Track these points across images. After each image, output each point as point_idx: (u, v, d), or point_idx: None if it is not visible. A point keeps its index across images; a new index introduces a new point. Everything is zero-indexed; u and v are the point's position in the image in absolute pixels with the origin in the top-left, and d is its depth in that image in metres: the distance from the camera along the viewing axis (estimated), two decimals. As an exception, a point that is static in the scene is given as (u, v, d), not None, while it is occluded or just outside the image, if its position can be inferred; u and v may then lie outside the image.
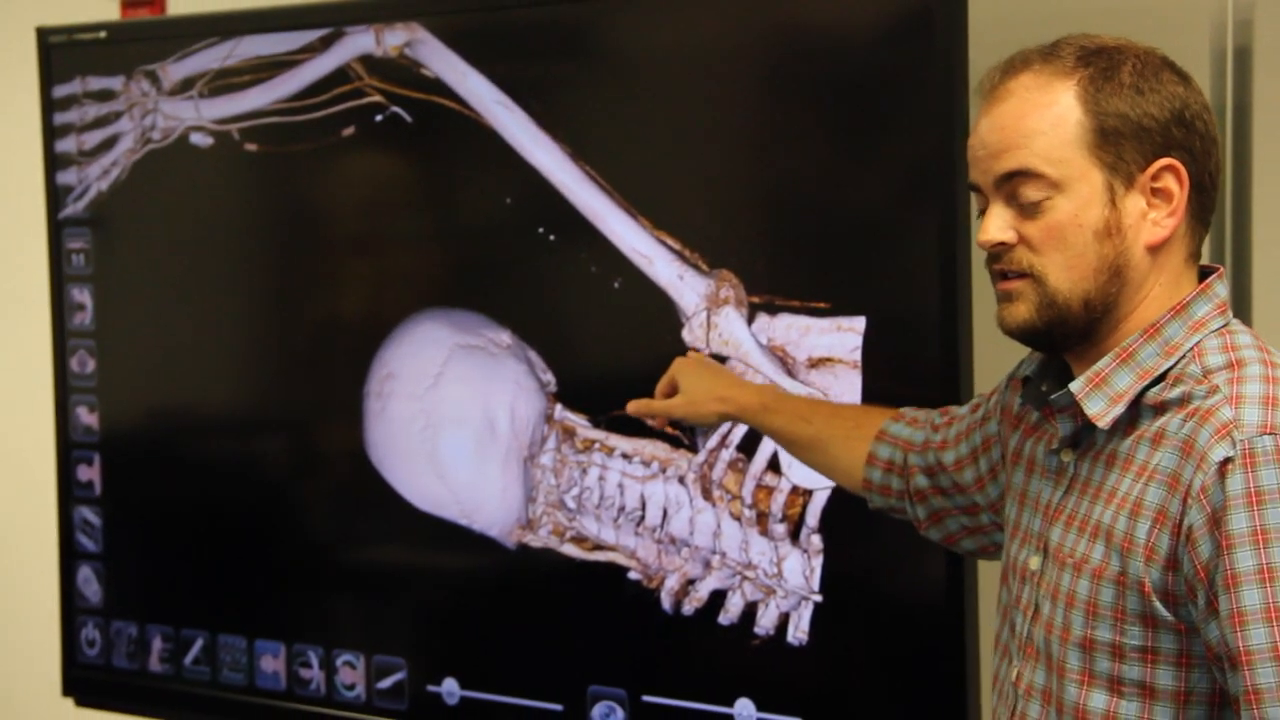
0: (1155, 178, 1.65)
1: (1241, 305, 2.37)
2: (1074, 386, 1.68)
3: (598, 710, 2.40)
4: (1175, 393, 1.65)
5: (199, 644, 2.83)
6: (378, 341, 2.61)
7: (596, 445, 2.42)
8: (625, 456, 2.40)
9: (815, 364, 2.26)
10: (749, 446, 2.30)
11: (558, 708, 2.44)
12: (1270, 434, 1.57)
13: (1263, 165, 2.35)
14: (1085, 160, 1.65)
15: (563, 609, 2.46)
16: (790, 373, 2.27)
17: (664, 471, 2.37)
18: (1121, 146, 1.65)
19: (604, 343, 2.45)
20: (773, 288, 2.29)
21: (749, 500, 2.31)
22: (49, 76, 2.93)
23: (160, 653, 2.88)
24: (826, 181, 2.27)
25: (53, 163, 2.94)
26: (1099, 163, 1.65)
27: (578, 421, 2.43)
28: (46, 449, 3.02)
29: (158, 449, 2.90)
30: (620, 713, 2.38)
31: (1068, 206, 1.65)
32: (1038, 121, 1.66)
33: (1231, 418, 1.58)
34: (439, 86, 2.52)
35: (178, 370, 2.83)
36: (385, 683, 2.62)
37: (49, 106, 2.93)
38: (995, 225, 1.68)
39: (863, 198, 2.26)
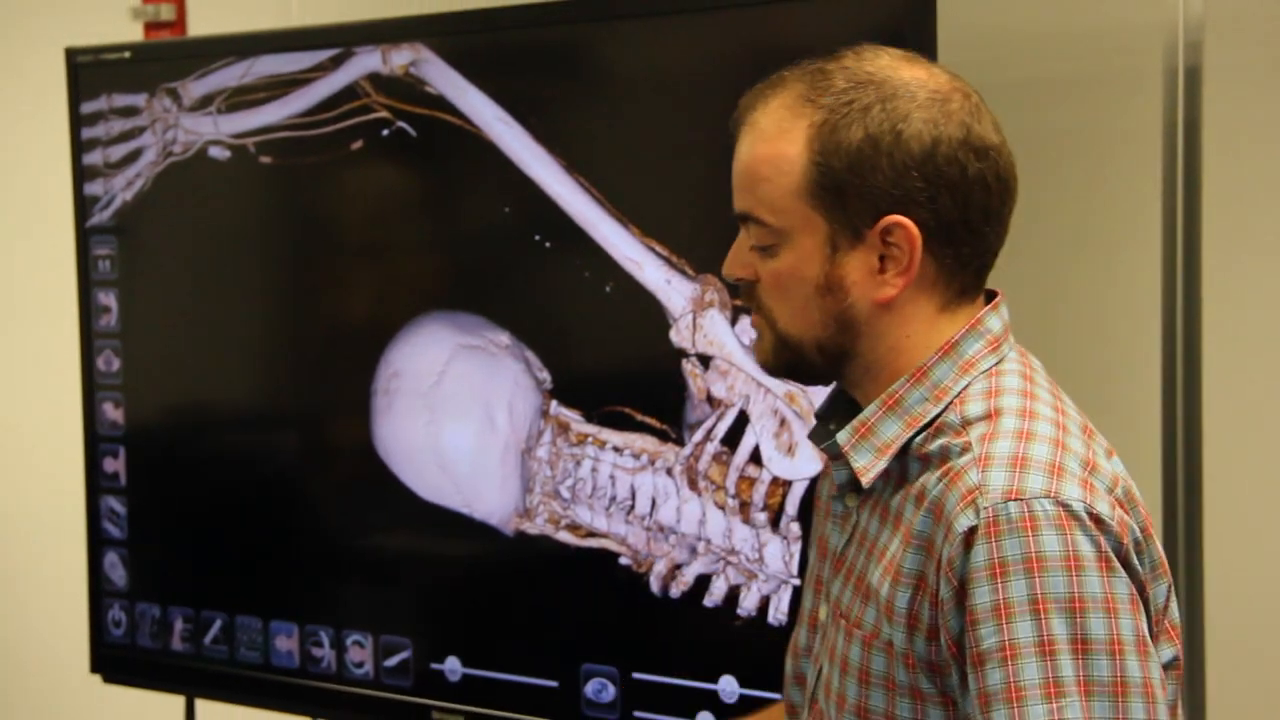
0: (886, 234, 1.47)
1: (1191, 323, 2.37)
2: (841, 438, 1.52)
3: (590, 687, 2.42)
4: (935, 445, 1.47)
5: (218, 624, 2.85)
6: (384, 342, 2.63)
7: (589, 439, 2.43)
8: (616, 450, 2.41)
9: (794, 362, 2.28)
10: (733, 440, 2.32)
11: (553, 684, 2.46)
12: (1015, 499, 1.38)
13: (1212, 182, 2.33)
14: (809, 211, 1.48)
15: (558, 592, 2.48)
16: (771, 371, 2.28)
17: (653, 464, 2.38)
18: (847, 200, 1.47)
19: (597, 343, 2.46)
20: (753, 291, 2.30)
21: (732, 490, 2.32)
22: (77, 94, 2.94)
23: (181, 632, 2.89)
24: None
25: (80, 174, 2.95)
26: (823, 215, 1.48)
27: (572, 417, 2.45)
28: (75, 442, 3.03)
29: (178, 442, 2.91)
30: (612, 689, 2.40)
31: (789, 257, 1.50)
32: (766, 166, 1.50)
33: (977, 483, 1.40)
34: (442, 103, 2.53)
35: (197, 369, 2.84)
36: (392, 661, 2.64)
37: (77, 122, 2.94)
38: (734, 259, 1.56)
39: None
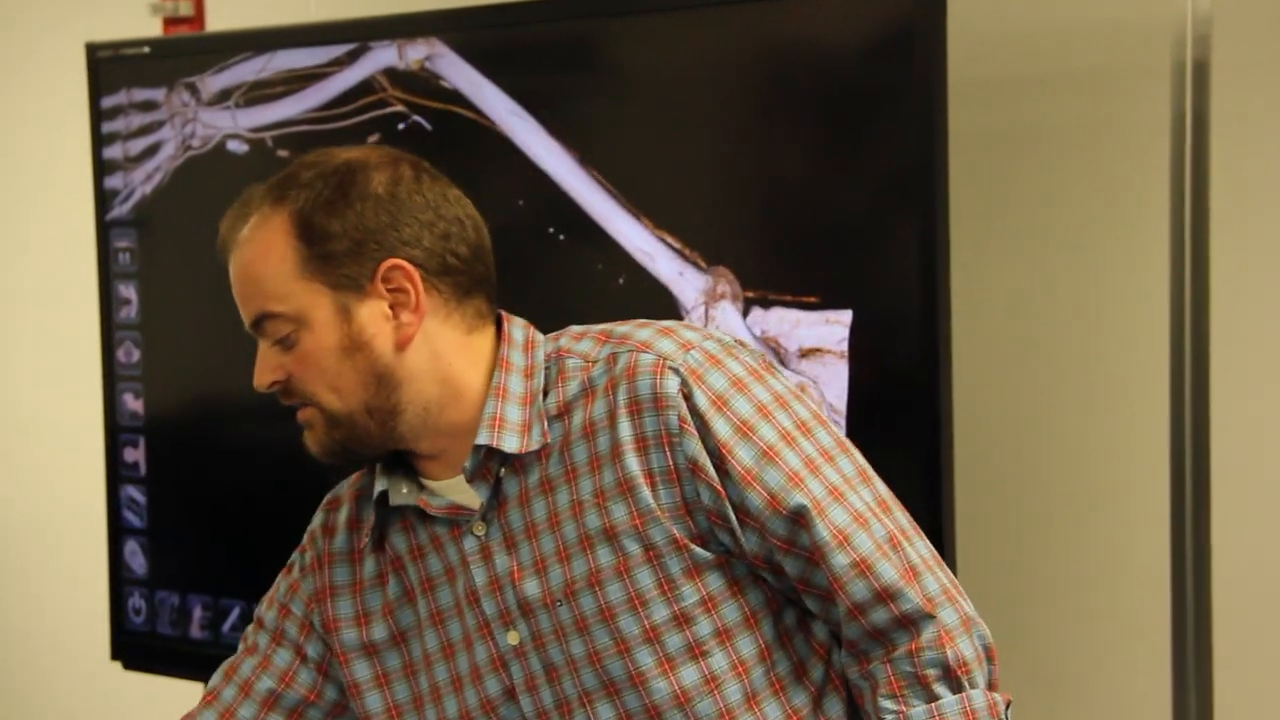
0: (387, 280, 1.59)
1: (1199, 317, 2.36)
2: (481, 438, 1.58)
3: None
4: (572, 391, 1.60)
5: (236, 612, 2.85)
6: (401, 333, 2.62)
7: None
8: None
9: (805, 354, 2.28)
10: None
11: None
12: (689, 349, 1.57)
13: (1220, 175, 2.33)
14: (310, 288, 1.58)
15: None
16: (783, 362, 2.28)
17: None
18: (340, 265, 1.58)
19: (610, 334, 2.45)
20: (766, 283, 2.30)
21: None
22: (97, 89, 2.94)
23: (200, 620, 2.89)
24: (815, 185, 2.29)
25: (100, 168, 2.95)
26: (324, 286, 1.58)
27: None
28: (95, 433, 3.04)
29: (197, 433, 2.91)
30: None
31: (309, 338, 1.59)
32: (262, 266, 1.59)
33: (653, 359, 1.56)
34: (457, 97, 2.53)
35: (216, 360, 2.84)
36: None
37: (97, 116, 2.94)
38: (262, 368, 1.63)
39: (849, 200, 2.27)
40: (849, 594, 1.53)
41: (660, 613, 1.56)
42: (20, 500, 3.91)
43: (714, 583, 1.57)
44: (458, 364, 1.61)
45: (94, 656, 3.16)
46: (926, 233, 2.16)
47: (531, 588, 1.60)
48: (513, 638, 1.62)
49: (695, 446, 1.54)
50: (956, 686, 1.52)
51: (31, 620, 4.16)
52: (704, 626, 1.56)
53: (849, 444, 1.62)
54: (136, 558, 2.98)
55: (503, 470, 1.61)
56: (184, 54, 2.86)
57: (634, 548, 1.56)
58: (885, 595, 1.53)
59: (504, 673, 1.63)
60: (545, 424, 1.59)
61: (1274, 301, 2.33)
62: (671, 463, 1.55)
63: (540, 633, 1.61)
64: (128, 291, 2.94)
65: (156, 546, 2.95)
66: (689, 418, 1.54)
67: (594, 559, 1.57)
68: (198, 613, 2.90)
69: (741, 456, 1.54)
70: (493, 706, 1.64)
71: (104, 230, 2.96)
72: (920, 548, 1.57)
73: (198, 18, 3.41)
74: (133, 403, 2.95)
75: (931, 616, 1.53)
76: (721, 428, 1.54)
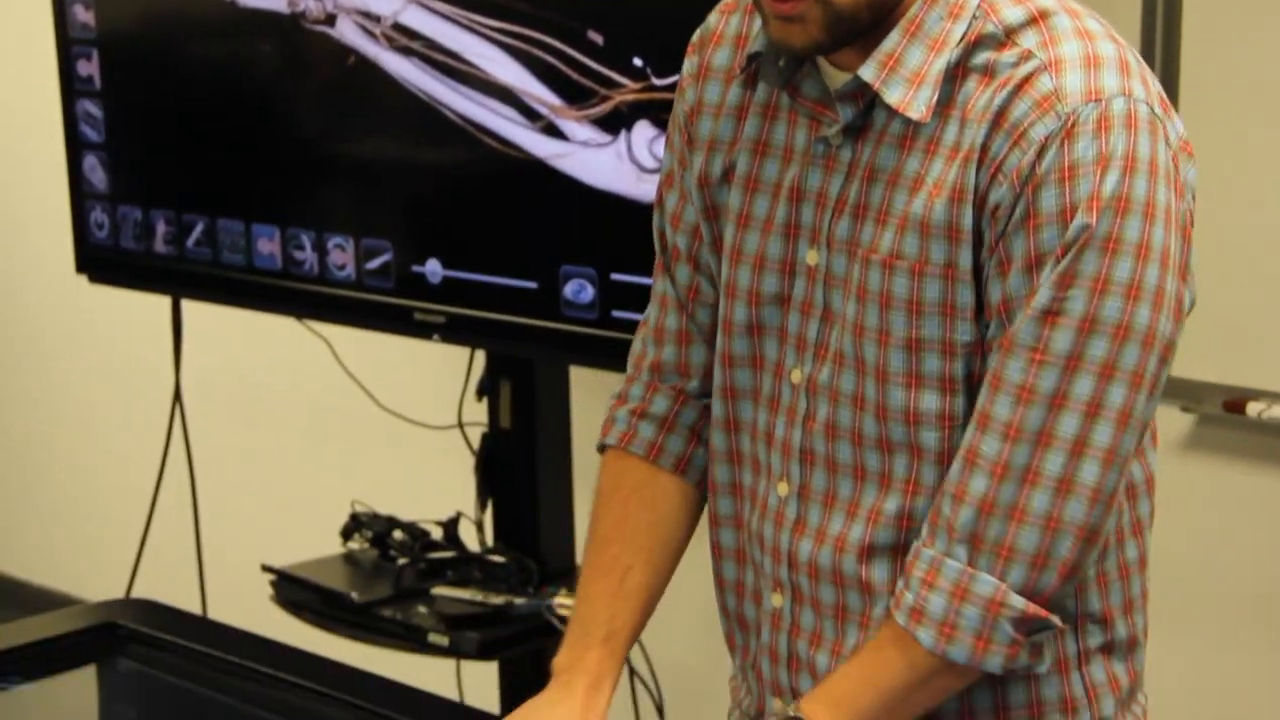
0: None
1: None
2: (866, 73, 1.40)
3: (569, 287, 2.38)
4: (978, 61, 1.39)
5: (200, 227, 2.79)
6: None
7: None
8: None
9: None
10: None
11: (532, 285, 2.41)
12: (1094, 101, 1.34)
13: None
14: None
15: (537, 195, 2.41)
16: None
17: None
18: None
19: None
20: None
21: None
22: None
23: (164, 235, 2.84)
24: None
25: None
26: None
27: None
28: (47, 45, 2.92)
29: (153, 45, 2.82)
30: (590, 290, 2.36)
31: None
32: None
33: (1053, 88, 1.35)
34: None
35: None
36: (373, 264, 2.59)
37: None
38: None
39: None
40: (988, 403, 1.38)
41: (931, 330, 1.41)
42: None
43: (987, 333, 1.40)
44: None
45: (62, 271, 3.11)
46: None
47: (843, 227, 1.46)
48: (812, 257, 1.48)
49: (1009, 198, 1.36)
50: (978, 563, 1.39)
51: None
52: (961, 367, 1.42)
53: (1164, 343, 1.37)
54: (96, 172, 2.91)
55: (875, 107, 1.43)
56: None
57: (938, 255, 1.40)
58: (1010, 431, 1.37)
59: (787, 279, 1.50)
60: (936, 90, 1.40)
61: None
62: (1018, 205, 1.36)
63: (833, 271, 1.47)
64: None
65: (115, 161, 2.89)
66: (1025, 172, 1.35)
67: (900, 242, 1.41)
68: (161, 228, 2.84)
69: (1045, 240, 1.35)
70: (759, 300, 1.52)
71: None
72: (1107, 445, 1.36)
73: None
74: (83, 14, 2.84)
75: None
76: (1048, 200, 1.35)
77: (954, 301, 1.40)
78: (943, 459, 1.43)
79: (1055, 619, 1.39)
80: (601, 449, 1.65)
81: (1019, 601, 1.38)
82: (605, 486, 1.62)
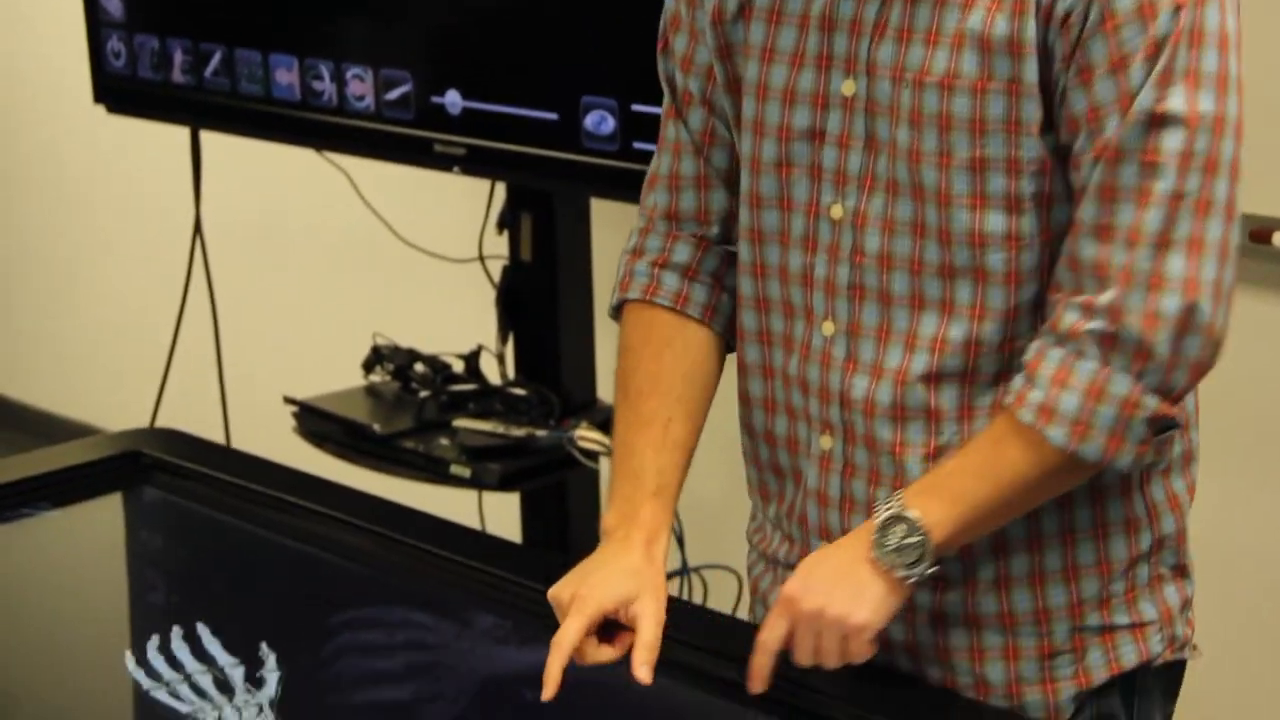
0: None
1: None
2: None
3: (590, 118, 2.35)
4: None
5: (218, 57, 2.75)
6: None
7: None
8: None
9: None
10: None
11: (553, 116, 2.38)
12: None
13: None
14: None
15: (558, 23, 2.37)
16: None
17: None
18: None
19: None
20: None
21: None
22: None
23: (182, 65, 2.81)
24: None
25: None
26: None
27: None
28: None
29: None
30: (611, 121, 2.33)
31: None
32: None
33: None
34: None
35: None
36: (392, 94, 2.56)
37: None
38: None
39: None
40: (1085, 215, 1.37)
41: (996, 148, 1.39)
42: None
43: (1074, 146, 1.38)
44: None
45: (79, 101, 3.08)
46: None
47: (886, 52, 1.41)
48: (848, 88, 1.44)
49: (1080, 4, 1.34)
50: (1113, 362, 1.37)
51: (16, 64, 4.07)
52: (1029, 185, 1.39)
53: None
54: (113, 1, 2.86)
55: None
56: None
57: (1002, 70, 1.37)
58: (1133, 236, 1.35)
59: (820, 113, 1.46)
60: None
61: None
62: (1091, 9, 1.34)
63: (875, 99, 1.43)
64: None
65: (132, -12, 2.84)
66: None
67: (957, 61, 1.38)
68: (179, 57, 2.81)
69: (1125, 38, 1.33)
70: (789, 135, 1.48)
71: None
72: (1219, 239, 1.35)
73: None
74: None
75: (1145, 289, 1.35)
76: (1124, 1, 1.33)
77: (1019, 118, 1.37)
78: (1009, 280, 1.42)
79: (1180, 418, 1.41)
80: (619, 306, 1.62)
81: (1153, 401, 1.37)
82: (634, 340, 1.60)
